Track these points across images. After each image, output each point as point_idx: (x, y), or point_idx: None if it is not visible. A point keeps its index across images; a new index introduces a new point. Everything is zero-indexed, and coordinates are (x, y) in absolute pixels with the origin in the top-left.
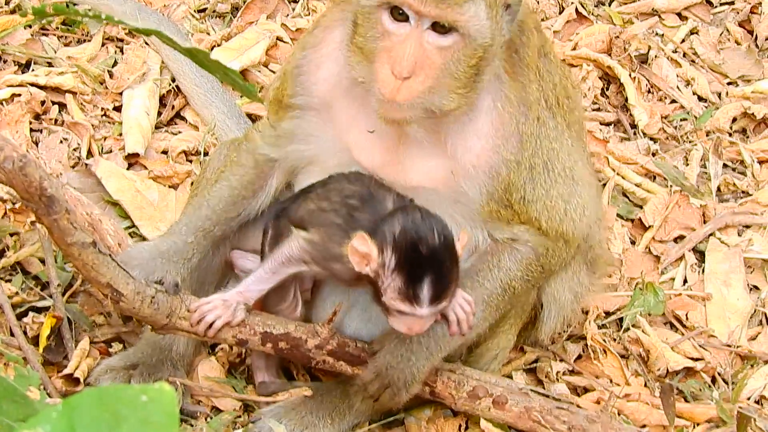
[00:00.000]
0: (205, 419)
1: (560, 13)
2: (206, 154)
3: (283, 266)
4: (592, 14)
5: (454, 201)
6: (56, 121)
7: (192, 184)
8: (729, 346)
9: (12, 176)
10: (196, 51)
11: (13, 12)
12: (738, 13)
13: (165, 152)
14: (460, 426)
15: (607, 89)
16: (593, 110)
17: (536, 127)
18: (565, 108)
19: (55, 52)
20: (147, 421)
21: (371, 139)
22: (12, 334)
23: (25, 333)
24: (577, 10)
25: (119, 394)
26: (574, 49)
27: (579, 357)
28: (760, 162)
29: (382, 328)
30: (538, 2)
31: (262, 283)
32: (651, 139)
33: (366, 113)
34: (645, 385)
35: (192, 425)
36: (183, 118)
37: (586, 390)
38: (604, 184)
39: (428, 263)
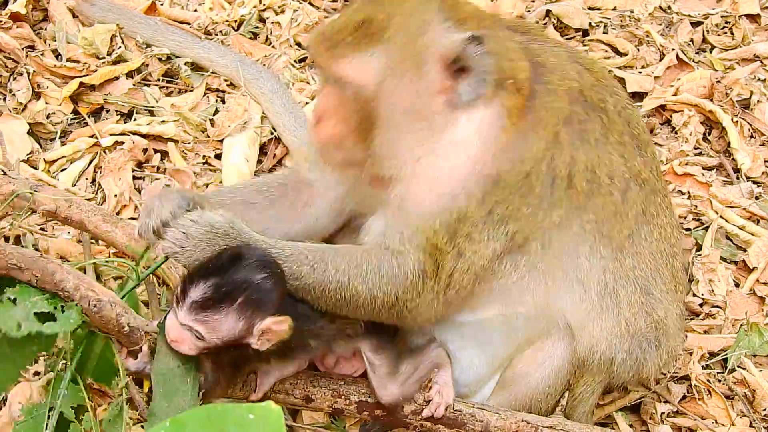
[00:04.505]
0: None
1: (661, 59)
2: None
3: None
4: (693, 60)
5: (397, 207)
6: (158, 168)
7: None
8: None
9: (89, 314)
10: None
11: (116, 63)
12: None
13: None
14: None
15: (709, 134)
16: (695, 155)
17: (518, 181)
18: (578, 189)
19: (157, 101)
20: None
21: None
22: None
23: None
24: (677, 56)
25: (227, 412)
26: (675, 94)
27: (684, 397)
28: None
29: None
30: (638, 49)
31: None
32: (754, 182)
33: None
34: (750, 425)
35: None
36: (286, 167)
37: (691, 431)
38: (707, 227)
39: (217, 271)
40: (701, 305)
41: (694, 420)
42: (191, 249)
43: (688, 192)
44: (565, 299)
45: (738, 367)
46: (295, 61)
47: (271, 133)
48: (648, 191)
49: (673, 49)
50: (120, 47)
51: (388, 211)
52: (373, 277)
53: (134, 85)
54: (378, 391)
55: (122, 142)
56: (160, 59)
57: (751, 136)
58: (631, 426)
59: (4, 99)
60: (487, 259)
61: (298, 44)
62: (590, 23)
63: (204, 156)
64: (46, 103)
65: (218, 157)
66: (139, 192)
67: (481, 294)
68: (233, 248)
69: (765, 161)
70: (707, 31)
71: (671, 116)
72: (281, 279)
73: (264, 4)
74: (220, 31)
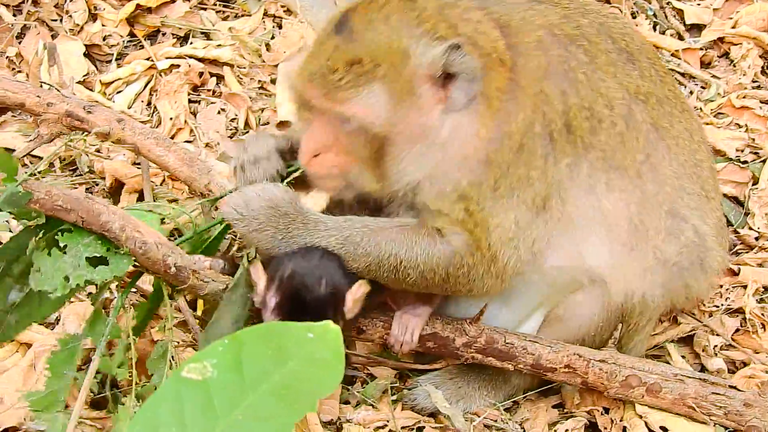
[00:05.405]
0: (362, 384)
1: None
2: None
3: None
4: None
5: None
6: (214, 92)
7: None
8: None
9: (135, 255)
10: None
11: None
12: None
13: None
14: None
15: None
16: (753, 88)
17: (513, 154)
18: (579, 131)
19: (213, 25)
20: (312, 357)
21: None
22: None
23: (183, 296)
24: None
25: (286, 330)
26: (734, 27)
27: (737, 331)
28: None
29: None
30: None
31: None
32: None
33: None
34: None
35: (349, 390)
36: None
37: (744, 364)
38: (764, 161)
39: (306, 312)
40: (756, 239)
41: (748, 354)
42: (249, 219)
43: (746, 125)
44: (594, 245)
45: None
46: None
47: None
48: (654, 104)
49: None
50: None
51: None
52: (424, 260)
53: (191, 8)
54: (395, 331)
55: (178, 66)
56: None
57: None
58: (683, 357)
59: (61, 20)
60: (515, 229)
61: None
62: None
63: (259, 81)
64: (103, 25)
65: (273, 82)
66: (195, 115)
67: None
68: (297, 285)
69: None
70: None
71: (729, 49)
72: (337, 268)
73: None
74: None
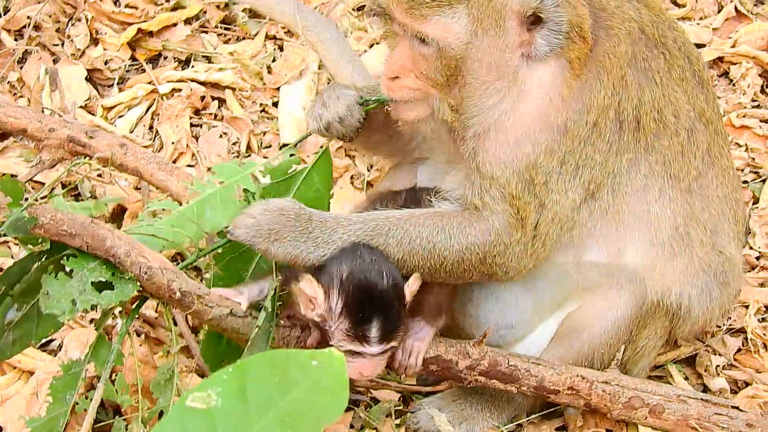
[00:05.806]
0: (365, 408)
1: (719, 11)
2: None
3: None
4: (752, 12)
5: (471, 160)
6: (216, 116)
7: (351, 178)
8: None
9: (140, 280)
10: None
11: (174, 9)
12: None
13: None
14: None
15: (767, 87)
16: (753, 107)
17: (587, 130)
18: (646, 130)
19: (215, 48)
20: (317, 385)
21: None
22: (175, 323)
23: (186, 322)
24: (736, 8)
25: (290, 357)
26: (733, 46)
27: (738, 351)
28: None
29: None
30: (696, 1)
31: None
32: None
33: None
34: None
35: (353, 414)
36: None
37: (746, 384)
38: (764, 180)
39: (376, 306)
40: (758, 258)
41: (750, 374)
42: (266, 233)
43: (746, 144)
44: (636, 244)
45: None
46: (353, 9)
47: (328, 82)
48: (712, 132)
49: (731, 1)
50: None
51: (462, 165)
52: (459, 240)
53: (192, 31)
54: (399, 356)
55: (180, 89)
56: (218, 6)
57: None
58: (686, 379)
59: (63, 45)
60: (568, 210)
61: None
62: None
63: (261, 104)
64: (104, 49)
65: (275, 105)
66: (196, 139)
67: (558, 244)
68: (360, 282)
69: None
70: None
71: (729, 68)
72: (389, 263)
73: None
74: None
